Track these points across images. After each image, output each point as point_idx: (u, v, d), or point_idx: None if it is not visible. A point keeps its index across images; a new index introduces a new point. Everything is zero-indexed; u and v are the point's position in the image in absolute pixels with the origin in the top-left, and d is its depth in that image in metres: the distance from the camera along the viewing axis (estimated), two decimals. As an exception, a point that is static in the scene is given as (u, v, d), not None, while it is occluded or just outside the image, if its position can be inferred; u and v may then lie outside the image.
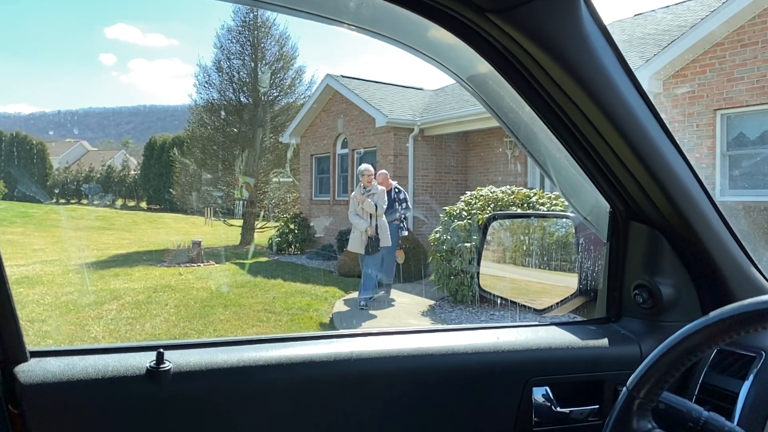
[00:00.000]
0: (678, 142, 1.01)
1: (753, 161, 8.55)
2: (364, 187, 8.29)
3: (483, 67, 0.96)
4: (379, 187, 8.36)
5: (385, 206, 8.27)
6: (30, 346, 0.89)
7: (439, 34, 0.91)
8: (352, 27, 0.97)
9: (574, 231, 1.34)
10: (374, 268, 8.35)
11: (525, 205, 7.96)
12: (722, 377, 1.03)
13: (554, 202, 7.70)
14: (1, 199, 27.12)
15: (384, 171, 9.45)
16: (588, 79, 0.89)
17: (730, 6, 8.33)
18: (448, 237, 8.06)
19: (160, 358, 0.89)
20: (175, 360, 0.91)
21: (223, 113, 18.63)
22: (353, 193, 8.50)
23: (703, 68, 8.81)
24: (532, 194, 8.14)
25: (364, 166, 8.58)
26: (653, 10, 13.16)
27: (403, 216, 8.96)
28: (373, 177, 8.39)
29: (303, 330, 6.99)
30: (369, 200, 8.09)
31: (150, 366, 0.88)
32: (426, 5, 0.84)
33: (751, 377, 0.98)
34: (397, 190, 9.03)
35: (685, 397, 1.05)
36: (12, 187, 32.23)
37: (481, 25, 0.86)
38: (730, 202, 8.45)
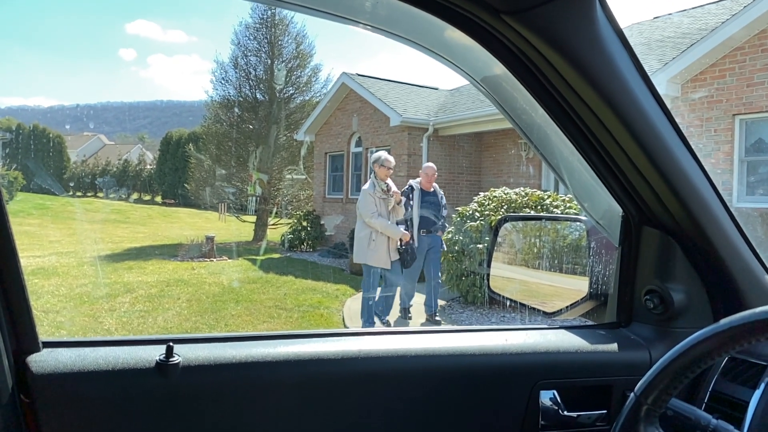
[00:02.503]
0: (693, 146, 1.00)
1: (772, 167, 8.44)
2: (386, 183, 6.32)
3: (497, 68, 0.96)
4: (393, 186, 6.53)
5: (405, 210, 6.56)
6: (43, 337, 0.91)
7: (454, 35, 0.91)
8: (368, 27, 0.98)
9: (586, 234, 1.34)
10: (398, 286, 6.63)
11: (539, 207, 7.93)
12: (733, 385, 1.02)
13: (568, 204, 7.65)
14: (19, 190, 27.47)
15: (432, 165, 7.30)
16: (602, 82, 0.89)
17: (751, 10, 8.22)
18: (461, 238, 8.04)
19: (169, 352, 0.90)
20: (184, 354, 0.92)
21: (237, 110, 18.73)
22: (366, 188, 6.40)
23: (722, 72, 8.71)
24: (546, 196, 8.09)
25: (386, 154, 6.46)
26: (669, 14, 13.04)
27: (443, 225, 7.23)
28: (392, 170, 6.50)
29: (313, 327, 7.02)
30: (402, 199, 6.35)
31: (159, 359, 0.89)
32: (441, 6, 0.84)
33: (762, 386, 0.97)
34: (440, 194, 7.23)
35: (695, 404, 1.04)
36: (30, 179, 32.71)
37: (496, 27, 0.86)
38: (748, 208, 8.35)
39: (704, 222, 1.04)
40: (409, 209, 6.71)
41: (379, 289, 6.65)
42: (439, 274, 7.35)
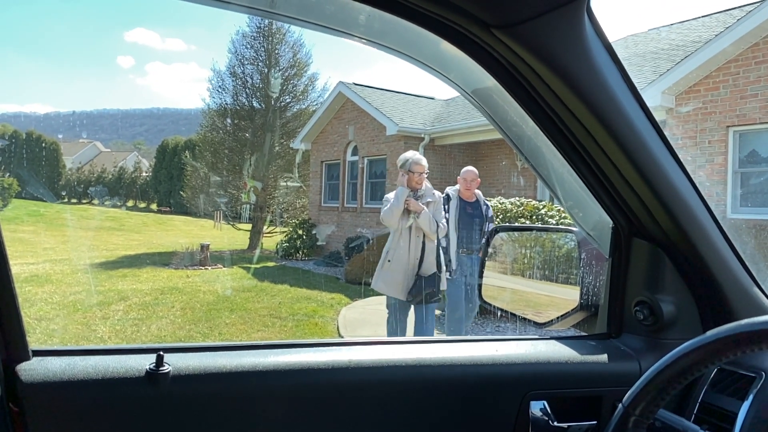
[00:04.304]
0: (681, 158, 1.02)
1: (765, 179, 8.49)
2: (412, 191, 4.91)
3: (488, 81, 0.97)
4: (436, 194, 5.08)
5: (445, 226, 5.07)
6: (33, 345, 0.91)
7: (445, 48, 0.93)
8: (362, 40, 0.99)
9: (576, 245, 1.34)
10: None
11: (534, 217, 7.94)
12: (722, 397, 1.03)
13: (563, 214, 7.68)
14: (13, 197, 27.39)
15: (473, 169, 5.79)
16: (591, 94, 0.90)
17: (744, 23, 8.31)
18: (456, 247, 8.04)
19: (159, 361, 0.90)
20: (174, 363, 0.92)
21: (229, 119, 18.76)
22: (387, 196, 5.02)
23: (716, 84, 8.78)
24: (541, 206, 8.12)
25: (416, 155, 5.02)
26: (656, 28, 13.16)
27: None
28: (426, 175, 5.00)
29: (308, 336, 7.00)
30: (426, 210, 4.83)
31: (150, 368, 0.89)
32: (432, 20, 0.86)
33: (750, 397, 0.98)
34: (486, 204, 5.82)
35: (684, 415, 1.05)
36: (24, 187, 32.59)
37: (486, 41, 0.87)
38: (741, 219, 8.39)
39: (693, 234, 1.05)
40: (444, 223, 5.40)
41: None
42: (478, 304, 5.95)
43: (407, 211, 4.85)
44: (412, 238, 4.85)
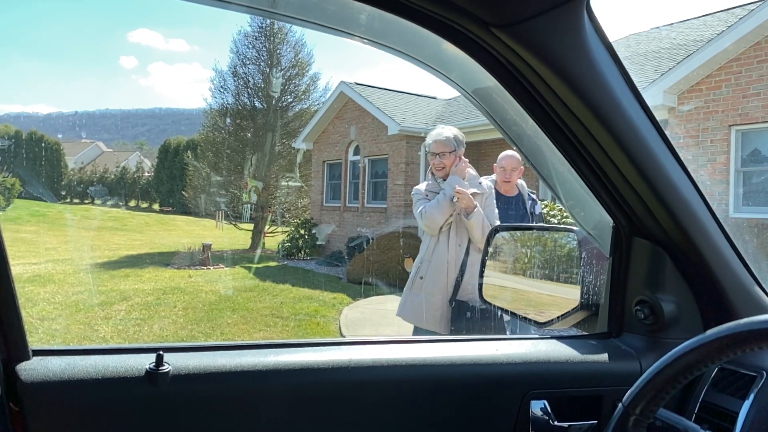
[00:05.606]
0: (682, 157, 1.01)
1: (767, 178, 8.47)
2: (445, 180, 3.51)
3: (488, 80, 0.97)
4: (484, 183, 3.66)
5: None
6: (33, 345, 0.91)
7: (446, 48, 0.93)
8: (363, 40, 0.99)
9: (577, 245, 1.34)
10: None
11: (535, 216, 7.93)
12: (723, 396, 1.02)
13: (565, 214, 7.67)
14: (16, 197, 27.43)
15: (515, 155, 4.30)
16: (590, 93, 0.90)
17: (746, 22, 8.29)
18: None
19: (159, 360, 0.90)
20: (174, 362, 0.92)
21: (230, 119, 18.77)
22: (417, 187, 3.64)
23: (718, 83, 8.76)
24: (543, 206, 8.11)
25: (436, 129, 3.60)
26: (657, 27, 13.14)
27: None
28: (454, 155, 3.52)
29: (309, 336, 7.00)
30: (480, 209, 3.42)
31: (149, 368, 0.89)
32: (432, 19, 0.86)
33: (751, 396, 0.97)
34: (532, 199, 4.39)
35: (685, 414, 1.05)
36: (27, 187, 32.63)
37: (486, 40, 0.87)
38: (743, 218, 8.37)
39: (693, 233, 1.05)
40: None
41: None
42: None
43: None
44: (451, 245, 3.40)
